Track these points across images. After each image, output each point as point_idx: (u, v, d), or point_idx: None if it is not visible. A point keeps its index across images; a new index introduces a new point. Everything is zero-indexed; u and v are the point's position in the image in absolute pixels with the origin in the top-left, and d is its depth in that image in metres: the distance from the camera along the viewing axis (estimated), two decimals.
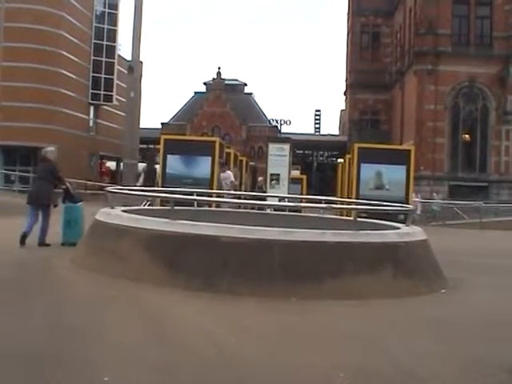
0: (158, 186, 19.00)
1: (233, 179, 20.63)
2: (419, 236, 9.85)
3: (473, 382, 5.28)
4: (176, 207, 9.55)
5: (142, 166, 21.04)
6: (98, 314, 6.96)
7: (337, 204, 15.30)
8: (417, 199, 32.37)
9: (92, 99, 56.92)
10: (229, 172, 20.69)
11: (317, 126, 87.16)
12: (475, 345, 6.43)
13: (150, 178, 19.18)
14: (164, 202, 13.35)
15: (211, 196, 16.80)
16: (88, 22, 55.85)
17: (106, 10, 57.98)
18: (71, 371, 5.00)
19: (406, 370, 5.49)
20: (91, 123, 57.87)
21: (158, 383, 4.84)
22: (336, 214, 16.42)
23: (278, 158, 25.56)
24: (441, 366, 5.62)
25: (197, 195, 12.76)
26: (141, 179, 19.42)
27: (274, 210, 15.18)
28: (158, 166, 20.85)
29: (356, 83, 67.15)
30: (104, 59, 57.30)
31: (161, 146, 22.40)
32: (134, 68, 16.77)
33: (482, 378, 5.37)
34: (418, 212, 31.92)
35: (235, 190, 20.57)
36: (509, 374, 5.38)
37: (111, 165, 62.34)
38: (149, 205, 15.63)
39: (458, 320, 7.54)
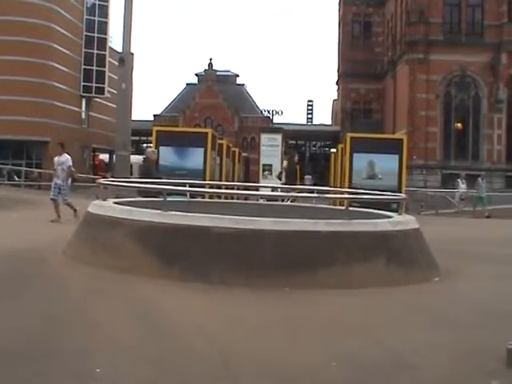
0: (297, 184, 19.15)
1: (70, 163, 17.35)
2: (412, 225, 9.86)
3: (466, 370, 5.29)
4: (170, 199, 9.55)
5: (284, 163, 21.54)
6: (89, 306, 6.94)
7: (329, 193, 15.27)
8: (463, 186, 31.87)
9: (84, 92, 56.82)
10: (66, 155, 17.45)
11: (309, 116, 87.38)
12: (468, 333, 6.44)
13: (291, 177, 19.75)
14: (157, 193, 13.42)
15: (204, 187, 16.77)
16: (79, 15, 55.69)
17: (97, 2, 57.79)
18: (63, 363, 4.99)
19: (400, 358, 5.50)
20: (83, 116, 57.81)
21: (150, 375, 4.83)
22: (329, 204, 16.41)
23: (271, 149, 25.62)
24: (434, 354, 5.62)
25: (189, 186, 12.76)
26: (283, 177, 20.15)
27: (267, 201, 15.18)
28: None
29: (348, 73, 67.26)
30: (95, 51, 57.17)
31: (153, 138, 22.40)
32: (125, 60, 16.67)
33: (475, 365, 5.38)
34: (462, 197, 31.72)
35: (72, 177, 17.96)
36: (502, 362, 5.38)
37: (104, 157, 62.22)
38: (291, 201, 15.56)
39: (451, 308, 7.56)
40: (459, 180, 32.00)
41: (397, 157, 22.24)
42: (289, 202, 15.07)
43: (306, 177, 34.34)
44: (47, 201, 16.92)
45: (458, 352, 5.71)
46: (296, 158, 21.10)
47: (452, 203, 33.07)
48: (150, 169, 14.34)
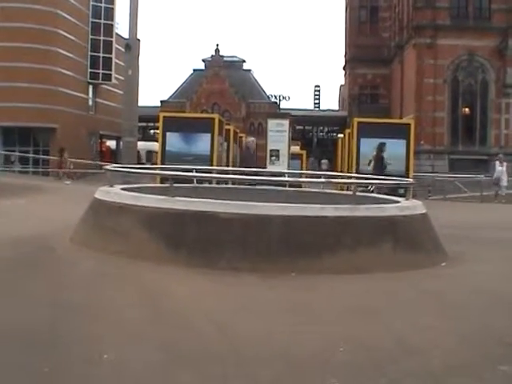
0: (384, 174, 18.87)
1: None
2: (419, 209, 9.83)
3: (473, 355, 5.27)
4: (177, 184, 9.53)
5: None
6: (97, 291, 6.95)
7: (336, 179, 15.25)
8: (501, 168, 29.96)
9: (91, 78, 56.69)
10: None
11: (316, 101, 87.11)
12: (475, 318, 6.42)
13: (378, 167, 19.99)
14: (164, 179, 13.41)
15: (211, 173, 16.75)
16: (85, 1, 55.50)
17: None
18: (70, 349, 4.99)
19: (406, 343, 5.49)
20: (90, 102, 57.69)
21: (157, 361, 4.83)
22: (336, 189, 16.39)
23: (278, 134, 25.58)
24: (441, 338, 5.62)
25: (196, 172, 12.74)
26: (371, 165, 20.48)
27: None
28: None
29: (355, 58, 67.04)
30: (102, 38, 56.96)
31: (160, 124, 22.39)
32: (131, 46, 16.67)
33: (482, 350, 5.37)
34: (505, 184, 29.86)
35: None
36: (509, 346, 5.38)
37: (111, 144, 62.27)
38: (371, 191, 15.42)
39: (458, 293, 7.54)
40: (497, 162, 30.35)
41: (404, 142, 22.23)
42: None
43: (322, 161, 34.30)
44: (54, 187, 16.91)
45: (465, 337, 5.70)
46: (384, 148, 21.15)
47: (461, 189, 32.97)
48: (252, 157, 15.19)
